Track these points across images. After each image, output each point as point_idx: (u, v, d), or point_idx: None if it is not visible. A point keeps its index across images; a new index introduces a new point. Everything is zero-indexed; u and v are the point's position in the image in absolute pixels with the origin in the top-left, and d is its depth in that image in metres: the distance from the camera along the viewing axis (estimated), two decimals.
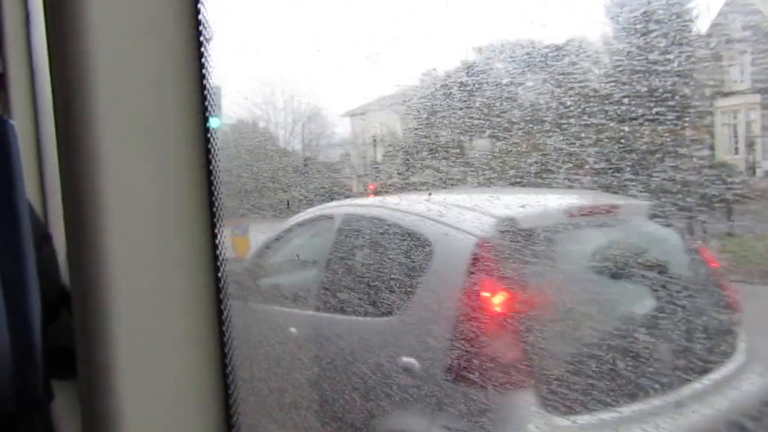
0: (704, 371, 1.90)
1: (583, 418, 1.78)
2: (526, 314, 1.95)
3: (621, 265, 2.06)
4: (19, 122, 1.59)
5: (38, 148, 1.62)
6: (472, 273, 1.94)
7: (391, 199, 2.55)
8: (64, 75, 0.59)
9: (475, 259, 1.98)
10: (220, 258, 0.61)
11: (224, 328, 0.60)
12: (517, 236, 1.96)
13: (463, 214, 2.21)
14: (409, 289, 2.17)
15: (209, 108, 0.61)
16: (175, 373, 0.58)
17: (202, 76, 0.62)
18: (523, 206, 2.14)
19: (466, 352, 1.88)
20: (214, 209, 0.60)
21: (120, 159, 0.58)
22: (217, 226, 0.61)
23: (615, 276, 2.10)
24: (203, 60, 0.62)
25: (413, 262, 2.09)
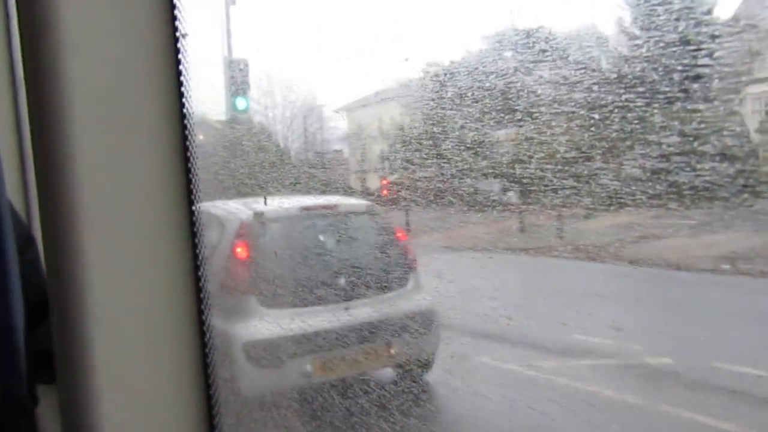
0: (385, 291, 3.70)
1: (284, 311, 3.56)
2: (256, 258, 3.77)
3: (332, 236, 3.94)
4: (1, 122, 1.56)
5: (20, 150, 1.60)
6: (236, 238, 3.65)
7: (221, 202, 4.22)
8: (38, 72, 0.58)
9: (238, 232, 3.69)
10: (200, 258, 0.60)
11: (205, 329, 0.59)
12: (263, 220, 3.79)
13: (242, 208, 3.90)
14: (211, 249, 3.69)
15: (186, 105, 0.60)
16: (156, 375, 0.57)
17: (179, 73, 0.61)
18: (280, 204, 4.01)
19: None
20: (193, 208, 0.59)
21: (96, 158, 0.57)
22: (197, 225, 0.60)
23: (325, 241, 3.96)
24: (180, 56, 0.61)
25: (216, 234, 3.68)
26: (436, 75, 3.88)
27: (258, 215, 3.75)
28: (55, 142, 0.56)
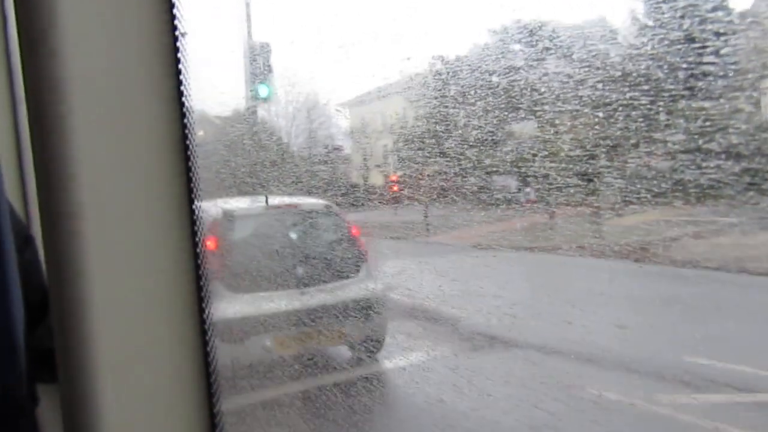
0: (339, 278, 4.23)
1: (248, 295, 3.97)
2: (224, 250, 4.19)
3: (292, 231, 4.49)
4: None
5: (18, 149, 1.59)
6: (207, 233, 3.75)
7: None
8: (36, 70, 0.58)
9: (208, 227, 3.85)
10: (201, 255, 0.60)
11: (206, 327, 0.59)
12: (231, 217, 4.22)
13: (213, 207, 4.12)
14: None
15: (186, 103, 0.60)
16: (157, 373, 0.57)
17: (178, 72, 0.61)
18: (249, 203, 4.50)
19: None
20: (193, 206, 0.59)
21: (95, 156, 0.57)
22: (197, 222, 0.60)
23: (286, 235, 4.49)
24: (179, 55, 0.61)
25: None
26: (447, 67, 3.82)
27: (227, 213, 4.25)
28: (53, 142, 0.56)
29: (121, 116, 0.58)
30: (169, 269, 0.58)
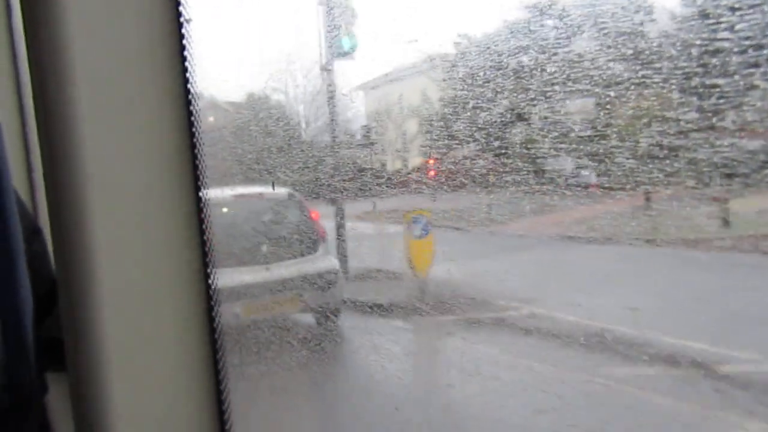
0: (299, 256, 4.96)
1: (220, 270, 3.97)
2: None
3: (258, 216, 5.08)
4: (5, 114, 1.56)
5: (25, 140, 1.60)
6: None
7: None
8: (40, 58, 0.57)
9: None
10: (209, 244, 0.60)
11: (214, 315, 0.59)
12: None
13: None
14: None
15: (192, 90, 0.59)
16: (165, 362, 0.57)
17: (184, 59, 0.60)
18: (219, 193, 4.66)
19: None
20: (201, 194, 0.59)
21: (101, 146, 0.56)
22: (204, 209, 0.60)
23: (252, 220, 5.10)
24: (184, 41, 0.60)
25: None
26: (480, 45, 3.57)
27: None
28: (58, 131, 0.56)
29: (127, 105, 0.58)
30: (177, 258, 0.58)
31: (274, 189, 5.12)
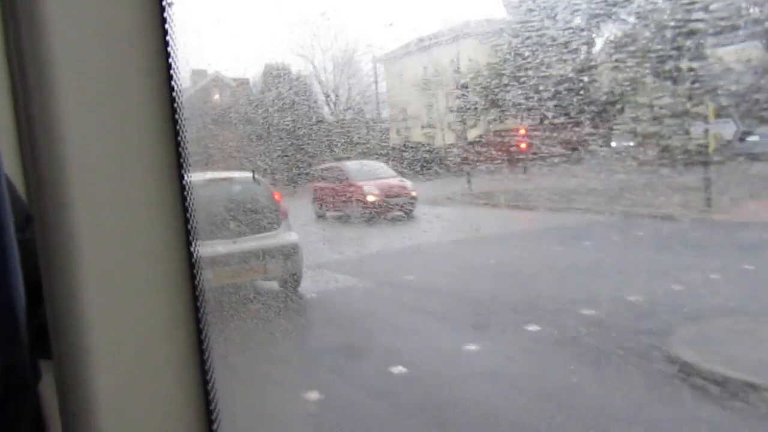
0: (263, 231, 5.88)
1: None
2: None
3: (227, 197, 5.86)
4: None
5: (18, 126, 1.58)
6: None
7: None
8: (21, 44, 0.56)
9: None
10: (192, 233, 0.59)
11: (199, 304, 0.59)
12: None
13: None
14: None
15: (174, 77, 0.58)
16: (150, 353, 0.57)
17: (166, 44, 0.59)
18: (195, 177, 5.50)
19: None
20: (184, 182, 0.58)
21: (83, 134, 0.55)
22: (188, 199, 0.59)
23: (222, 200, 5.83)
24: (166, 26, 0.59)
25: None
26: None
27: None
28: (40, 119, 0.55)
29: (108, 92, 0.57)
30: (161, 249, 0.58)
31: (254, 176, 6.15)
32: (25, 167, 1.57)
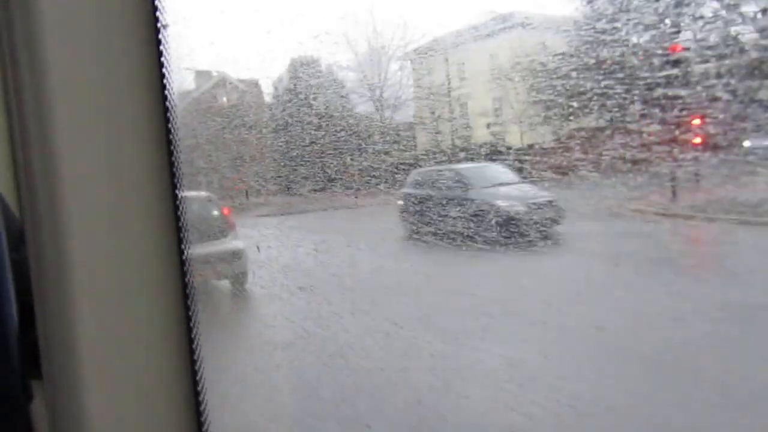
0: (213, 239, 7.21)
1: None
2: None
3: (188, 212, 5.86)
4: None
5: (12, 144, 1.58)
6: None
7: None
8: (17, 60, 0.57)
9: None
10: (185, 247, 0.60)
11: (190, 320, 0.59)
12: None
13: None
14: None
15: (168, 92, 0.59)
16: (142, 369, 0.57)
17: (161, 64, 0.60)
18: None
19: None
20: (177, 200, 0.59)
21: (77, 150, 0.56)
22: (181, 213, 0.59)
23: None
24: (161, 47, 0.60)
25: None
26: None
27: None
28: (35, 135, 0.56)
29: (103, 110, 0.57)
30: (154, 262, 0.58)
31: (207, 194, 7.55)
32: (19, 186, 1.57)
